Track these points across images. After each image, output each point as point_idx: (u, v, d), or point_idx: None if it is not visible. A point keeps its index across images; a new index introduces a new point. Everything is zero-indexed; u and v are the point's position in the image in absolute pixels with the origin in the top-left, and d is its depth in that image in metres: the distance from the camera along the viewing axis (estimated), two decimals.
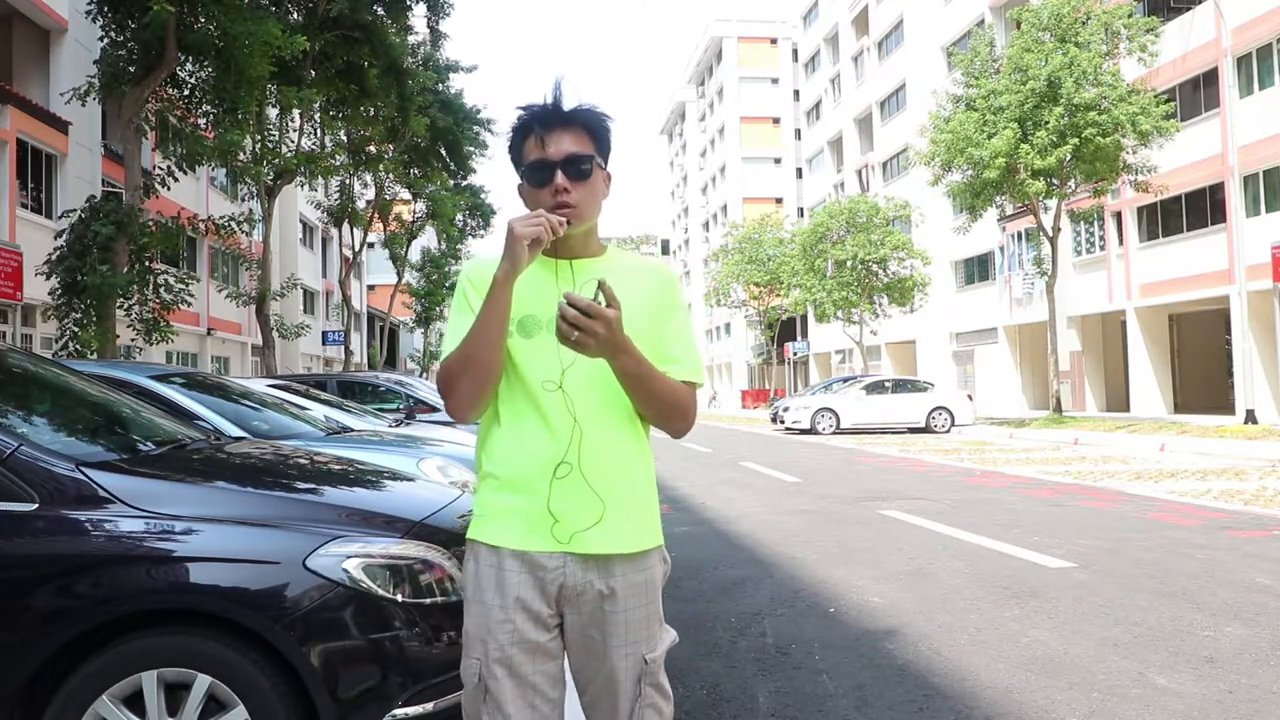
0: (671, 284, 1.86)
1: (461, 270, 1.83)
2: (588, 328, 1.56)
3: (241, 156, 17.24)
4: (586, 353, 1.62)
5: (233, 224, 16.18)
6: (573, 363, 1.70)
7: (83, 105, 14.73)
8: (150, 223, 14.04)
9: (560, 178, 1.73)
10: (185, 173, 14.95)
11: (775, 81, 67.99)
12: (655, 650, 1.82)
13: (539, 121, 1.76)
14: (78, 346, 12.67)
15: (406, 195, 33.05)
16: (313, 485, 3.07)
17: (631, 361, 1.66)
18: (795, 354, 51.32)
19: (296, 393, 7.65)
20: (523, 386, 1.74)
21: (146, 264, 13.96)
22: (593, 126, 1.78)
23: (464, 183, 34.01)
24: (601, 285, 1.58)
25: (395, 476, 3.43)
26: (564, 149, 1.74)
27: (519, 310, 1.73)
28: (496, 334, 1.68)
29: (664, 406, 1.75)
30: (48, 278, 13.12)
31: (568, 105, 1.76)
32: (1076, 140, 20.18)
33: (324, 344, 36.81)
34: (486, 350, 1.68)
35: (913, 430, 23.69)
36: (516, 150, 1.79)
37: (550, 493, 1.71)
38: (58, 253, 13.09)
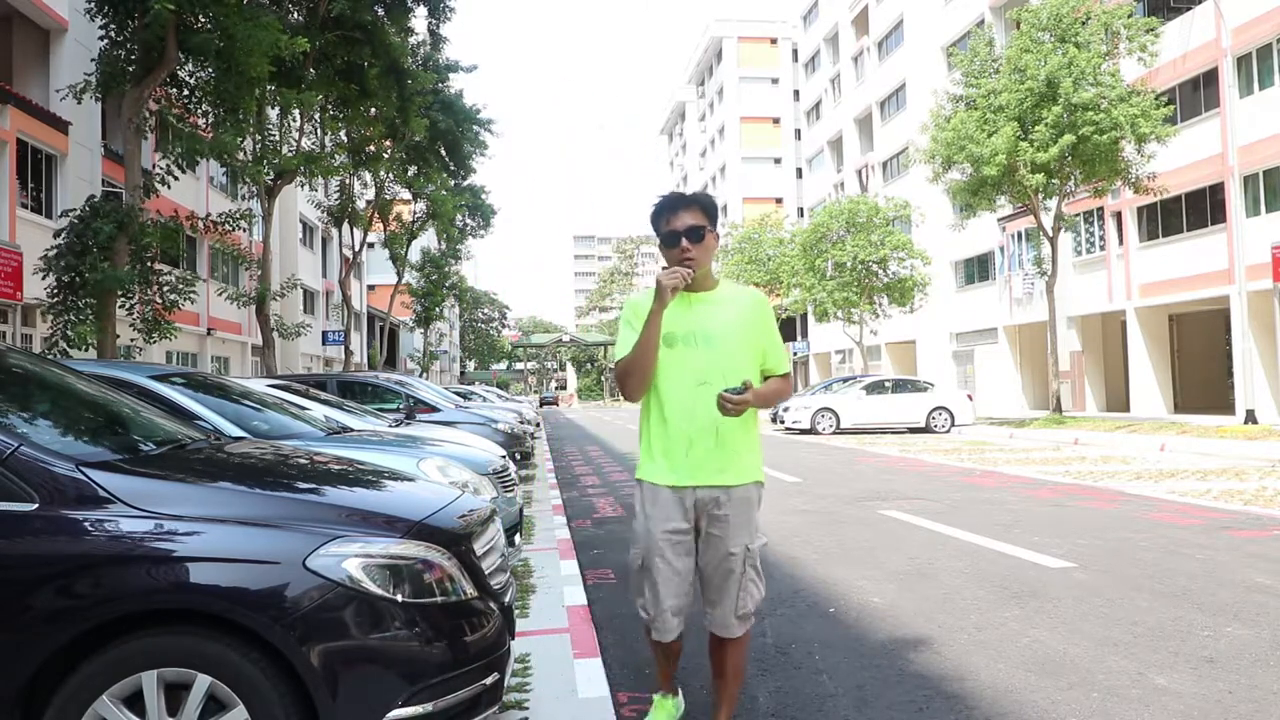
0: (763, 304, 3.03)
1: (626, 301, 2.99)
2: (739, 408, 2.77)
3: (241, 156, 17.21)
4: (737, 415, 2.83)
5: (229, 221, 16.20)
6: (709, 371, 2.86)
7: (79, 103, 14.66)
8: (150, 221, 14.01)
9: (685, 241, 2.85)
10: (184, 170, 14.88)
11: (775, 81, 67.99)
12: (755, 542, 2.97)
13: (669, 206, 2.91)
14: (65, 347, 12.58)
15: (406, 195, 32.99)
16: (313, 485, 3.06)
17: (760, 401, 2.85)
18: (795, 354, 51.25)
19: (296, 393, 7.62)
20: (666, 384, 2.90)
21: (148, 263, 13.91)
22: (705, 206, 2.93)
23: (464, 183, 33.95)
24: (745, 383, 2.77)
25: (395, 476, 3.42)
26: (686, 222, 2.87)
27: (663, 329, 2.84)
28: (653, 347, 2.85)
29: (774, 401, 3.03)
30: (45, 276, 13.06)
31: (689, 193, 2.92)
32: (1074, 137, 20.14)
33: (324, 344, 36.77)
34: (646, 358, 2.86)
35: (913, 430, 23.69)
36: (656, 224, 2.93)
37: (690, 449, 2.88)
38: (55, 249, 13.01)
